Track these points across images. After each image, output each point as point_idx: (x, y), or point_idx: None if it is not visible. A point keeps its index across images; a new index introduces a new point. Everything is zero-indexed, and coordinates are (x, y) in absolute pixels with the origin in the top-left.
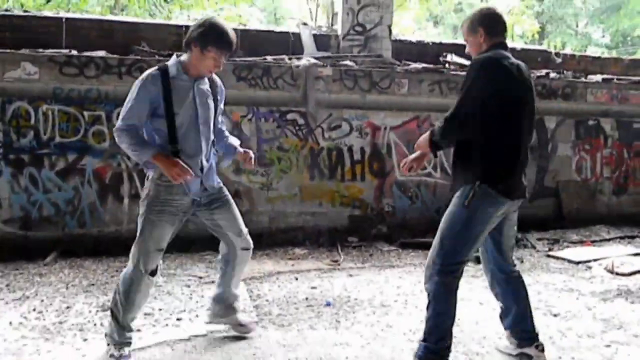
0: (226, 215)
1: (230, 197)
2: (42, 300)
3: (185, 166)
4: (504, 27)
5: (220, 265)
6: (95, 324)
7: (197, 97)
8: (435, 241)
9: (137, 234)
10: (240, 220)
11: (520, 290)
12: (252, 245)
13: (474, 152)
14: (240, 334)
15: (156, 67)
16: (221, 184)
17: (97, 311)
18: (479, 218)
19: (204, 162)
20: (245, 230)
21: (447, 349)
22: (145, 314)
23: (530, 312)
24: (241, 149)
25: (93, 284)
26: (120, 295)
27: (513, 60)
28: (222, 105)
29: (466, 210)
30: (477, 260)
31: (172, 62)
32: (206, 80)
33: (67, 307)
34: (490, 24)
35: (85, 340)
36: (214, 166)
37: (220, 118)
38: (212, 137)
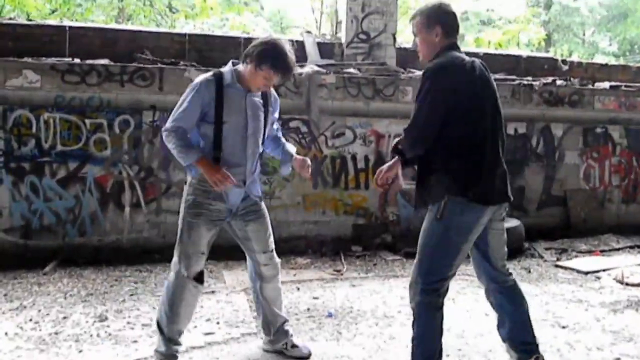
0: (258, 228)
1: (266, 212)
2: (39, 310)
3: (228, 173)
4: (458, 28)
5: (252, 285)
6: (91, 335)
7: (248, 108)
8: (416, 259)
9: (177, 238)
10: (270, 237)
11: (515, 300)
12: (278, 263)
13: (437, 164)
14: (295, 356)
15: (211, 73)
16: (261, 196)
17: (94, 322)
18: (455, 229)
19: (248, 173)
20: (271, 248)
21: None
22: (143, 325)
23: (529, 322)
24: (298, 156)
25: (92, 294)
26: (165, 305)
27: (467, 59)
28: (276, 115)
29: (440, 224)
30: None
31: (227, 69)
32: (259, 93)
33: (64, 318)
34: (449, 23)
35: (80, 351)
36: (257, 179)
37: (276, 125)
38: (259, 149)
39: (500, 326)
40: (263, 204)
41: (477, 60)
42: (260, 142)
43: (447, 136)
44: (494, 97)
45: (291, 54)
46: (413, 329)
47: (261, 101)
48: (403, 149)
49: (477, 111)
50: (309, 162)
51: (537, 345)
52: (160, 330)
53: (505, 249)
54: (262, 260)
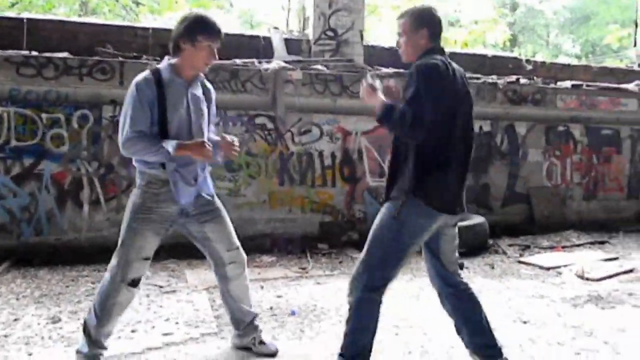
0: (217, 227)
1: (222, 208)
2: None
3: (204, 141)
4: (442, 32)
5: (219, 286)
6: (42, 337)
7: (190, 103)
8: (362, 254)
9: (119, 241)
10: (232, 233)
11: (470, 304)
12: (244, 259)
13: (407, 164)
14: (262, 352)
15: (149, 71)
16: (214, 194)
17: (47, 323)
18: (408, 231)
19: (199, 171)
20: (236, 244)
21: None
22: None
23: (488, 325)
24: (224, 138)
25: (45, 295)
26: (96, 306)
27: (451, 67)
28: (214, 108)
29: (395, 223)
30: None
31: (163, 65)
32: (199, 85)
33: (15, 320)
34: (435, 27)
35: (30, 354)
36: (207, 176)
37: (215, 119)
38: None
39: (459, 332)
40: (217, 201)
41: (459, 67)
42: (206, 137)
43: (426, 140)
44: (469, 107)
45: (213, 16)
46: (347, 324)
47: (203, 95)
48: (389, 121)
49: (451, 119)
50: (234, 140)
51: (499, 349)
52: (86, 331)
53: (456, 255)
54: (226, 259)
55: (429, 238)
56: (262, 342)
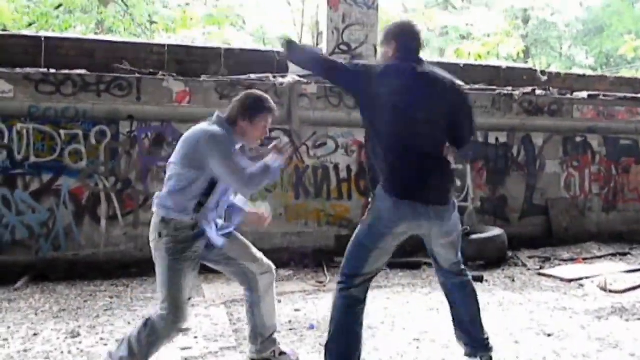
0: (236, 246)
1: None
2: (9, 327)
3: (282, 142)
4: (417, 45)
5: (246, 298)
6: (62, 352)
7: None
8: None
9: (164, 291)
10: (251, 246)
11: (465, 296)
12: (273, 268)
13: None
14: None
15: (218, 127)
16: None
17: (66, 338)
18: (374, 227)
19: (215, 216)
20: (260, 254)
21: None
22: (117, 341)
23: (479, 320)
24: (251, 210)
25: (64, 310)
26: (145, 342)
27: (416, 68)
28: None
29: (368, 215)
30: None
31: (219, 124)
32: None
33: (35, 334)
34: (405, 40)
35: None
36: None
37: None
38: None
39: (454, 320)
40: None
41: (439, 73)
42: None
43: (373, 138)
44: (435, 104)
45: (268, 97)
46: (329, 333)
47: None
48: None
49: (400, 118)
50: (265, 216)
51: (486, 345)
52: (131, 351)
53: (453, 255)
54: (256, 270)
55: (426, 243)
56: (282, 353)
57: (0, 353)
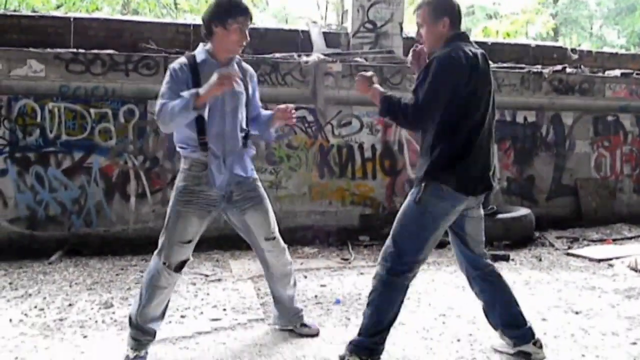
0: (256, 216)
1: (265, 196)
2: (45, 298)
3: (226, 70)
4: (462, 17)
5: (264, 272)
6: (96, 321)
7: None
8: (388, 239)
9: (164, 225)
10: (271, 221)
11: (499, 285)
12: (283, 248)
13: (425, 149)
14: (305, 334)
15: (184, 57)
16: (255, 177)
17: (100, 308)
18: (430, 215)
19: (227, 152)
20: (274, 235)
21: (380, 345)
22: None
23: (517, 306)
24: (276, 109)
25: (97, 282)
26: (142, 289)
27: (472, 52)
28: (257, 94)
29: (417, 207)
30: (493, 259)
31: (198, 50)
32: (235, 66)
33: (69, 305)
34: (456, 14)
35: (85, 337)
36: (244, 157)
37: (257, 103)
38: (240, 127)
39: (488, 315)
40: (260, 186)
41: (481, 53)
42: (242, 119)
43: (439, 123)
44: (489, 91)
45: None
46: (368, 306)
47: (240, 79)
48: (388, 112)
49: (472, 104)
50: (288, 106)
51: (530, 329)
52: (130, 317)
53: (483, 237)
54: (265, 247)
55: (453, 223)
56: (303, 325)
57: (36, 322)
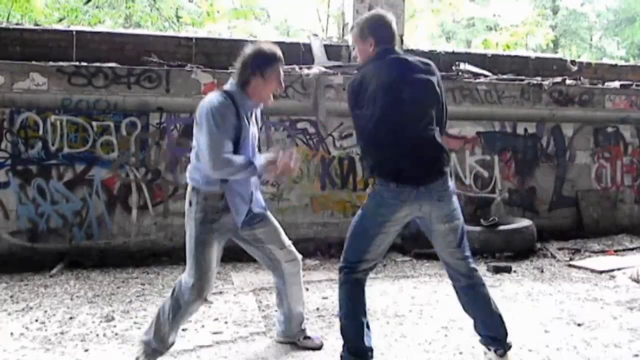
0: (267, 229)
1: (270, 215)
2: (46, 311)
3: (290, 154)
4: (392, 34)
5: (274, 284)
6: (97, 335)
7: (250, 124)
8: None
9: (190, 260)
10: (282, 233)
11: (477, 296)
12: (299, 257)
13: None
14: (307, 346)
15: (223, 96)
16: (265, 206)
17: (101, 322)
18: (367, 212)
19: (253, 189)
20: (288, 242)
21: (364, 349)
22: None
23: (499, 317)
24: (282, 153)
25: (98, 295)
26: (170, 312)
27: (398, 56)
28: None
29: (364, 207)
30: (495, 270)
31: (234, 89)
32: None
33: (70, 318)
34: (381, 34)
35: (86, 350)
36: (258, 193)
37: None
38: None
39: (473, 322)
40: (267, 211)
41: (419, 59)
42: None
43: (361, 130)
44: (420, 91)
45: (274, 46)
46: (339, 317)
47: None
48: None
49: (386, 108)
50: (292, 153)
51: (503, 342)
52: (157, 328)
53: (454, 244)
54: (282, 257)
55: (428, 234)
56: (307, 337)
57: (37, 335)
